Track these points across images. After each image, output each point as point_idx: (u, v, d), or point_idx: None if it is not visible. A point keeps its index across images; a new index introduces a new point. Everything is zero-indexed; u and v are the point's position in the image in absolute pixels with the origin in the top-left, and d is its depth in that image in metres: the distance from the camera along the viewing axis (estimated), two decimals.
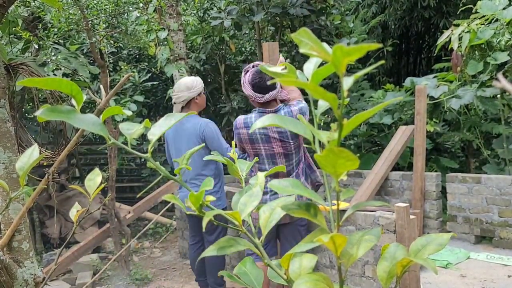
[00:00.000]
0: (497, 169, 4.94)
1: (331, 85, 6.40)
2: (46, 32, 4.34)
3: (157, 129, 0.73)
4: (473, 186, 4.35)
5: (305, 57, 0.61)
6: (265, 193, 2.69)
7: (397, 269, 0.67)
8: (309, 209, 0.67)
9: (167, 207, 4.80)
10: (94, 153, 6.80)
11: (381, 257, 0.70)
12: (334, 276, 2.88)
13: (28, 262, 1.45)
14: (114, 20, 4.10)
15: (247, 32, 6.59)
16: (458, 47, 4.66)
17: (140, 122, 0.75)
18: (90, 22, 3.85)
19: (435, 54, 6.26)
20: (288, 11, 5.20)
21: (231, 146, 2.68)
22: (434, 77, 5.33)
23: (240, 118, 2.79)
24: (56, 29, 3.90)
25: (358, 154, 5.63)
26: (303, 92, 6.52)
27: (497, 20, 4.61)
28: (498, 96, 4.81)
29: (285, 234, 2.85)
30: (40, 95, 4.25)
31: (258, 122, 0.64)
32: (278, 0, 5.22)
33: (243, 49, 6.89)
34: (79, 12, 3.62)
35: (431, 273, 3.50)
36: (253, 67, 2.74)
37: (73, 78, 4.29)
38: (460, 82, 5.01)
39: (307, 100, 3.11)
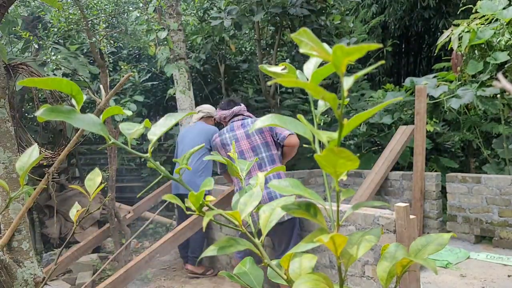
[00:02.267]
0: (497, 169, 4.94)
1: (331, 85, 6.40)
2: (46, 32, 4.34)
3: (157, 129, 0.73)
4: (473, 186, 4.35)
5: (305, 57, 0.61)
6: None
7: (397, 269, 0.67)
8: (309, 209, 0.67)
9: (165, 204, 4.79)
10: (94, 153, 6.79)
11: (381, 257, 0.70)
12: (334, 276, 2.88)
13: (28, 262, 1.45)
14: (114, 20, 4.10)
15: (247, 32, 6.58)
16: (458, 47, 4.66)
17: (140, 122, 0.75)
18: (90, 22, 3.85)
19: (435, 54, 6.26)
20: (288, 11, 5.20)
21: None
22: (434, 77, 5.33)
23: (215, 134, 3.22)
24: (56, 29, 3.90)
25: (358, 154, 5.63)
26: (303, 91, 6.49)
27: (497, 20, 4.61)
28: (498, 96, 4.81)
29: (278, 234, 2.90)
30: (40, 95, 4.25)
31: (259, 121, 0.64)
32: (278, 0, 5.22)
33: (243, 49, 6.89)
34: (79, 12, 3.61)
35: (431, 273, 3.50)
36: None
37: (73, 78, 4.29)
38: (460, 82, 5.01)
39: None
